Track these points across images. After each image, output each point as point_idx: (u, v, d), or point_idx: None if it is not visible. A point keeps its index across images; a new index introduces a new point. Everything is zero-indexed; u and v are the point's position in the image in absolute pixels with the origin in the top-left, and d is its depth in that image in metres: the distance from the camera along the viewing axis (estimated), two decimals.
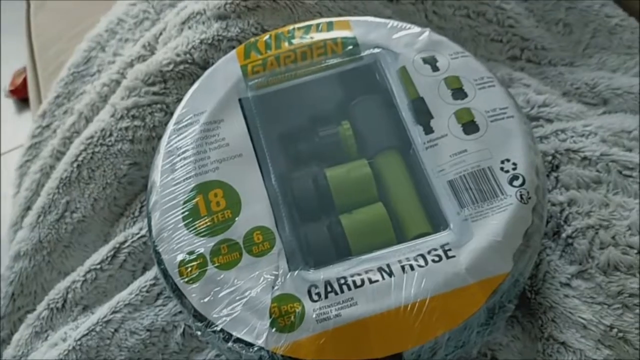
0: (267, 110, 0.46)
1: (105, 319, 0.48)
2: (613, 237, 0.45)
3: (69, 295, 0.51)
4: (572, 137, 0.52)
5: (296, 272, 0.38)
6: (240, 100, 0.46)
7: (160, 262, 0.41)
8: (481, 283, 0.37)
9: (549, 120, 0.54)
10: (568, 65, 0.58)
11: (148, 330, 0.47)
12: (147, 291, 0.49)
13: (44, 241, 0.54)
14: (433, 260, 0.38)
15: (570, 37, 0.58)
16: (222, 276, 0.39)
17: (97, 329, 0.48)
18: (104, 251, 0.51)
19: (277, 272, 0.38)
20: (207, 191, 0.42)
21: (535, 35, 0.59)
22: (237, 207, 0.41)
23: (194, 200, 0.42)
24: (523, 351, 0.44)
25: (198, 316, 0.38)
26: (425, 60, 0.46)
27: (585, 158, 0.49)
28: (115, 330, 0.48)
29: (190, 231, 0.41)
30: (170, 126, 0.46)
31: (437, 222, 0.41)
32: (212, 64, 0.57)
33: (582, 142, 0.51)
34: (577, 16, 0.60)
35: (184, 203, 0.42)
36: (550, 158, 0.50)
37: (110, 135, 0.55)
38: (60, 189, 0.54)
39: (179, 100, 0.50)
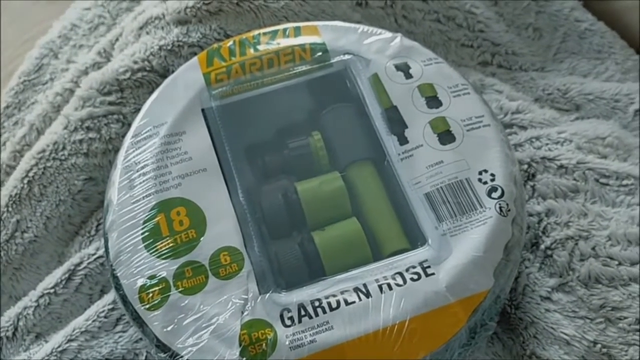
0: (232, 121, 0.44)
1: (60, 349, 0.45)
2: (593, 248, 0.44)
3: (20, 323, 0.47)
4: (547, 144, 0.51)
5: (267, 295, 0.36)
6: (203, 110, 0.44)
7: (118, 287, 0.38)
8: (462, 301, 0.35)
9: (523, 127, 0.53)
10: (539, 70, 0.58)
11: (107, 359, 0.44)
12: (105, 316, 0.46)
13: None
14: (412, 279, 0.36)
15: (541, 42, 0.58)
16: (186, 302, 0.36)
17: (52, 359, 0.45)
18: (58, 274, 0.48)
19: (246, 296, 0.36)
20: (168, 209, 0.40)
21: (506, 40, 0.59)
22: (202, 226, 0.39)
23: (155, 220, 0.39)
24: None
25: (161, 346, 0.36)
26: (397, 67, 0.45)
27: (561, 166, 0.49)
28: None
29: (151, 253, 0.38)
30: (128, 139, 0.43)
31: (414, 238, 0.39)
32: (172, 71, 0.54)
33: (558, 150, 0.50)
34: (546, 20, 0.60)
35: (144, 223, 0.39)
36: (526, 167, 0.49)
37: (64, 148, 0.52)
38: (9, 207, 0.51)
39: (137, 111, 0.47)
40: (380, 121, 0.43)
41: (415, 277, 0.36)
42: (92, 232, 0.51)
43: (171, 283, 0.37)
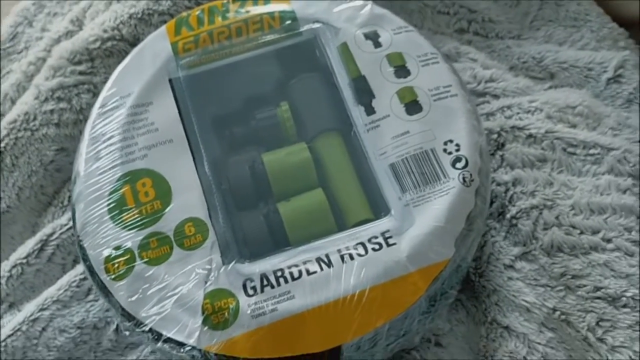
0: (200, 92, 0.44)
1: (32, 317, 0.45)
2: (557, 217, 0.45)
3: None
4: (517, 113, 0.51)
5: (230, 265, 0.37)
6: (170, 80, 0.43)
7: (85, 258, 0.39)
8: (422, 271, 0.36)
9: (496, 96, 0.53)
10: (515, 38, 0.57)
11: (79, 327, 0.45)
12: (77, 286, 0.46)
13: None
14: (373, 249, 0.37)
15: (518, 9, 0.57)
16: (151, 272, 0.37)
17: (24, 328, 0.45)
18: (31, 244, 0.49)
19: (210, 266, 0.37)
20: (134, 181, 0.40)
21: (483, 7, 0.58)
22: (167, 198, 0.39)
23: (121, 191, 0.39)
24: (467, 335, 0.44)
25: (126, 315, 0.36)
26: (367, 36, 0.44)
27: (530, 136, 0.49)
28: (43, 329, 0.45)
29: (117, 224, 0.38)
30: (95, 110, 0.43)
31: (378, 208, 0.39)
32: (142, 40, 0.54)
33: (528, 119, 0.50)
34: None
35: (110, 194, 0.39)
36: (495, 136, 0.49)
37: (35, 119, 0.52)
38: None
39: (107, 80, 0.47)
40: (348, 91, 0.43)
41: (377, 247, 0.37)
42: (65, 203, 0.51)
43: (136, 254, 0.37)
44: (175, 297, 0.36)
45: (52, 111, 0.52)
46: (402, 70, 0.43)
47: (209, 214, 0.38)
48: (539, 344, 0.41)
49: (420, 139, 0.40)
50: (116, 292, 0.37)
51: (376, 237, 0.37)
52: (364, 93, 0.42)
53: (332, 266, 0.36)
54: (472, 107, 0.42)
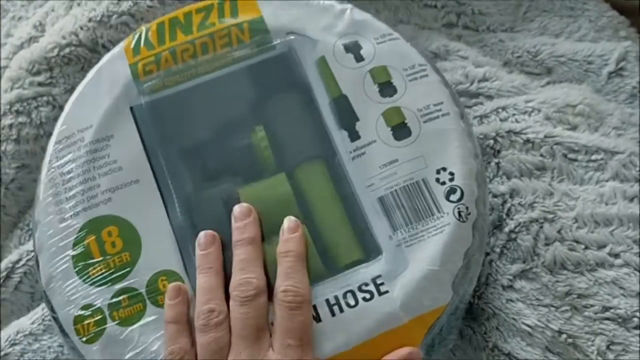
0: (165, 119, 0.40)
1: (2, 353, 0.43)
2: (559, 232, 0.43)
3: None
4: (513, 115, 0.48)
5: None
6: (132, 108, 0.40)
7: (54, 316, 0.36)
8: (417, 320, 0.34)
9: (489, 97, 0.49)
10: (508, 31, 0.54)
11: None
12: (49, 320, 0.44)
13: None
14: (364, 299, 0.34)
15: (509, 0, 0.53)
16: (124, 334, 0.34)
17: None
18: None
19: None
20: (99, 229, 0.37)
21: None
22: (137, 248, 0.36)
23: (85, 242, 0.36)
24: None
25: None
26: (347, 48, 0.40)
27: (528, 141, 0.46)
28: None
29: (84, 280, 0.36)
30: (50, 147, 0.39)
31: (369, 247, 0.37)
32: (102, 44, 0.50)
33: (525, 121, 0.47)
34: None
35: (74, 245, 0.36)
36: (491, 142, 0.46)
37: None
38: None
39: (67, 92, 0.44)
40: (329, 113, 0.39)
41: (368, 296, 0.34)
42: (31, 225, 0.49)
43: (107, 314, 0.35)
44: None
45: (10, 126, 0.50)
46: (387, 88, 0.39)
47: (184, 265, 0.36)
48: None
49: (411, 167, 0.37)
50: (89, 356, 0.34)
51: (367, 285, 0.35)
52: (347, 115, 0.39)
53: (321, 321, 0.34)
54: (465, 126, 0.39)
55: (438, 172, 0.37)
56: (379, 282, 0.35)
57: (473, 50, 0.51)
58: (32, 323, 0.44)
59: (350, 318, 0.34)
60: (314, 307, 0.34)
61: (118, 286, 0.35)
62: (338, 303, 0.34)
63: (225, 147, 0.41)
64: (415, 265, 0.35)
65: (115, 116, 0.39)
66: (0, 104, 0.50)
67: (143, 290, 0.35)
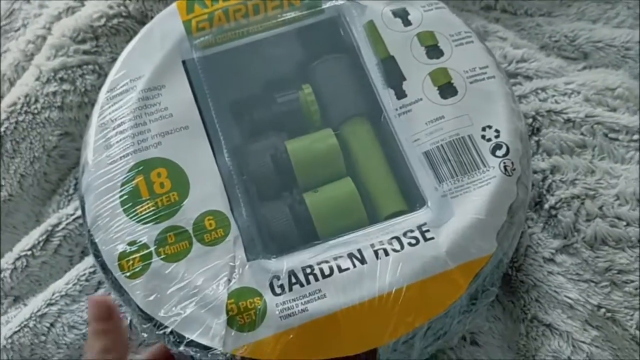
0: (216, 74, 0.42)
1: (40, 313, 0.44)
2: (600, 208, 0.43)
3: None
4: (553, 96, 0.49)
5: (255, 261, 0.35)
6: (184, 62, 0.41)
7: (97, 254, 0.37)
8: (462, 267, 0.34)
9: (528, 78, 0.51)
10: (545, 15, 0.55)
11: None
12: (86, 280, 0.45)
13: None
14: (409, 244, 0.35)
15: None
16: (169, 269, 0.35)
17: (31, 324, 0.44)
18: (35, 235, 0.47)
19: (233, 263, 0.35)
20: (148, 170, 0.38)
21: None
22: (185, 189, 0.37)
23: (134, 182, 0.37)
24: (504, 333, 0.42)
25: (143, 315, 0.35)
26: (395, 13, 0.42)
27: (568, 120, 0.47)
28: (51, 324, 0.44)
29: (131, 218, 0.37)
30: (103, 94, 0.41)
31: (413, 199, 0.37)
32: (151, 17, 0.52)
33: (565, 102, 0.48)
34: None
35: (122, 185, 0.37)
36: (530, 120, 0.47)
37: (36, 101, 0.50)
38: None
39: (113, 61, 0.45)
40: (376, 73, 0.40)
41: (414, 241, 0.35)
42: (70, 191, 0.50)
43: (153, 249, 0.35)
44: (197, 296, 0.34)
45: (54, 93, 0.50)
46: (434, 51, 0.41)
47: (230, 207, 0.37)
48: (584, 342, 0.40)
49: (457, 124, 0.38)
50: (132, 291, 0.35)
51: (412, 231, 0.35)
52: (394, 75, 0.40)
53: (366, 262, 0.34)
54: (510, 90, 0.40)
55: (484, 129, 0.38)
56: (424, 229, 0.35)
57: (511, 33, 0.53)
58: (67, 283, 0.45)
59: (395, 261, 0.34)
60: (358, 250, 0.35)
61: (165, 224, 0.36)
62: (383, 248, 0.35)
63: (273, 102, 0.42)
64: (460, 214, 0.35)
65: (167, 68, 0.41)
66: (43, 71, 0.52)
67: (190, 228, 0.36)
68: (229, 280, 0.34)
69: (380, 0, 0.43)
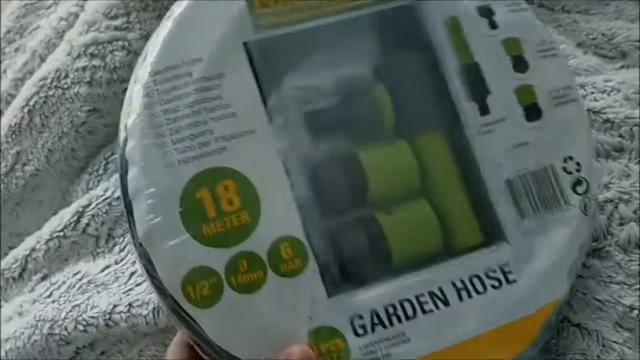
0: (281, 61, 0.32)
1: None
2: (634, 212, 0.40)
3: (29, 265, 0.40)
4: (592, 93, 0.43)
5: (336, 297, 0.29)
6: (245, 44, 0.31)
7: (152, 274, 0.29)
8: (540, 310, 0.31)
9: None
10: (583, 12, 0.48)
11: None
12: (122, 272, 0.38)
13: None
14: (492, 286, 0.30)
15: None
16: (243, 301, 0.29)
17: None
18: (67, 216, 0.40)
19: (312, 298, 0.29)
20: (214, 182, 0.29)
21: None
22: (256, 208, 0.29)
23: (198, 195, 0.29)
24: None
25: (215, 349, 0.29)
26: (480, 12, 0.34)
27: (607, 120, 0.42)
28: None
29: (195, 238, 0.29)
30: (145, 77, 0.31)
31: (491, 232, 0.32)
32: None
33: (604, 100, 0.43)
34: None
35: (183, 197, 0.29)
36: None
37: (66, 76, 0.42)
38: (9, 138, 0.42)
39: (142, 37, 0.36)
40: (457, 81, 0.33)
41: (496, 284, 0.30)
42: (100, 172, 0.41)
43: (223, 277, 0.29)
44: (276, 335, 0.28)
45: (84, 68, 0.42)
46: (520, 63, 0.33)
47: (306, 232, 0.30)
48: (615, 342, 0.38)
49: (540, 152, 0.32)
50: (200, 321, 0.29)
51: (494, 271, 0.30)
52: (478, 86, 0.33)
53: (449, 305, 0.30)
54: (588, 117, 0.34)
55: (565, 160, 0.32)
56: (506, 270, 0.30)
57: (549, 28, 0.46)
58: (102, 271, 0.38)
59: (478, 305, 0.30)
60: (439, 288, 0.30)
61: (235, 248, 0.29)
62: (466, 288, 0.30)
63: (342, 100, 0.34)
64: (542, 256, 0.30)
65: (227, 51, 0.31)
66: (74, 46, 0.42)
67: (264, 256, 0.29)
68: (310, 318, 0.29)
69: None
